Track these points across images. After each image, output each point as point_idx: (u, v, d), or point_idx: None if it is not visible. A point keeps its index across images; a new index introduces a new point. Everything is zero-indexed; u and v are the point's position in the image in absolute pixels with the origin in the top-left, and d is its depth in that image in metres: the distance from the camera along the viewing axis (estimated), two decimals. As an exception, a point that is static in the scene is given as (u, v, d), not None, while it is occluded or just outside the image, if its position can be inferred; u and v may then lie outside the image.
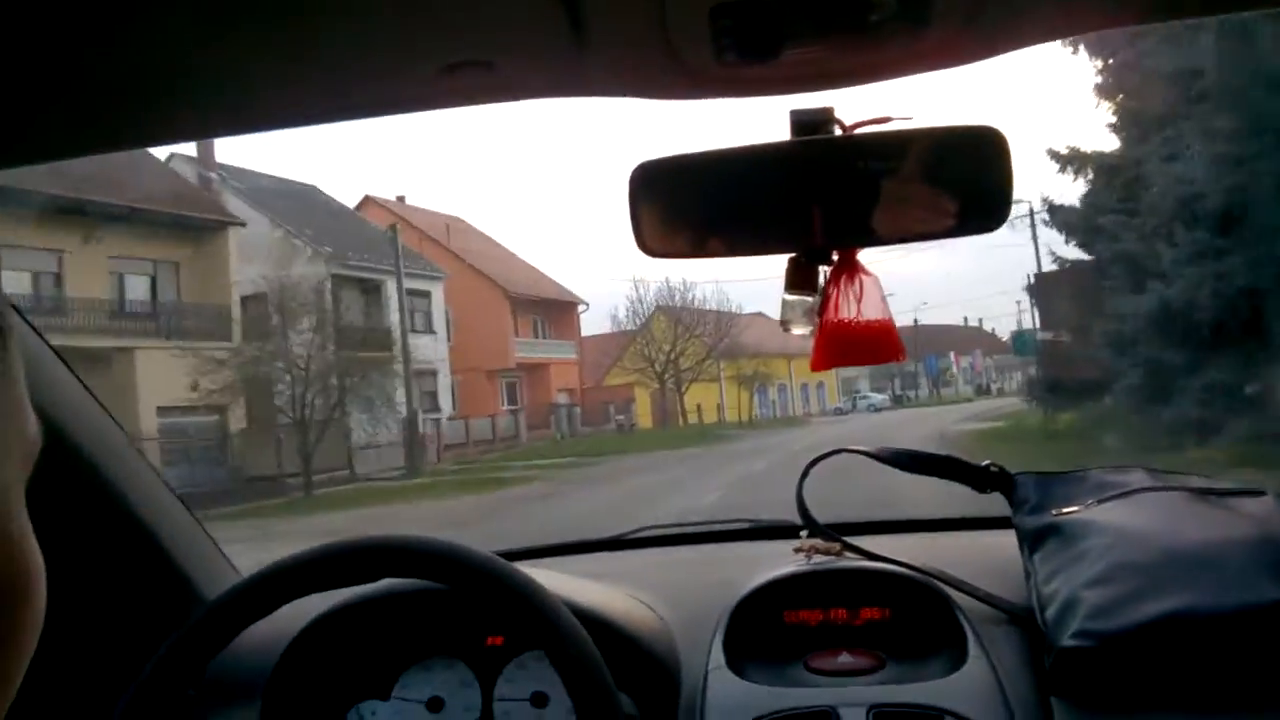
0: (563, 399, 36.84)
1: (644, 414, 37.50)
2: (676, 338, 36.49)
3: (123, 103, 0.79)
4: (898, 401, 61.68)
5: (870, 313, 0.93)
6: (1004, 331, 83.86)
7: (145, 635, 1.08)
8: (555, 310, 38.48)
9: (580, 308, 39.57)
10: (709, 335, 36.47)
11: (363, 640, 1.16)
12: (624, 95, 0.82)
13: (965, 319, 79.37)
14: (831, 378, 49.71)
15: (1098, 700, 1.01)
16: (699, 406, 36.20)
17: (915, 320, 66.15)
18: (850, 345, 0.94)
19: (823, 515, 1.36)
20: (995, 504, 1.29)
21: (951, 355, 62.95)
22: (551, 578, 0.96)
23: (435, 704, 1.17)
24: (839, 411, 45.34)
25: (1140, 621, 0.99)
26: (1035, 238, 20.20)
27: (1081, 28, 0.81)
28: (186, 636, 0.89)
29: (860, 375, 62.86)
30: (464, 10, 0.69)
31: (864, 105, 0.86)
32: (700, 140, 0.91)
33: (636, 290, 40.17)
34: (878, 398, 47.55)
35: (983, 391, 67.06)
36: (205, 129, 0.90)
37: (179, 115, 0.84)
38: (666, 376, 36.28)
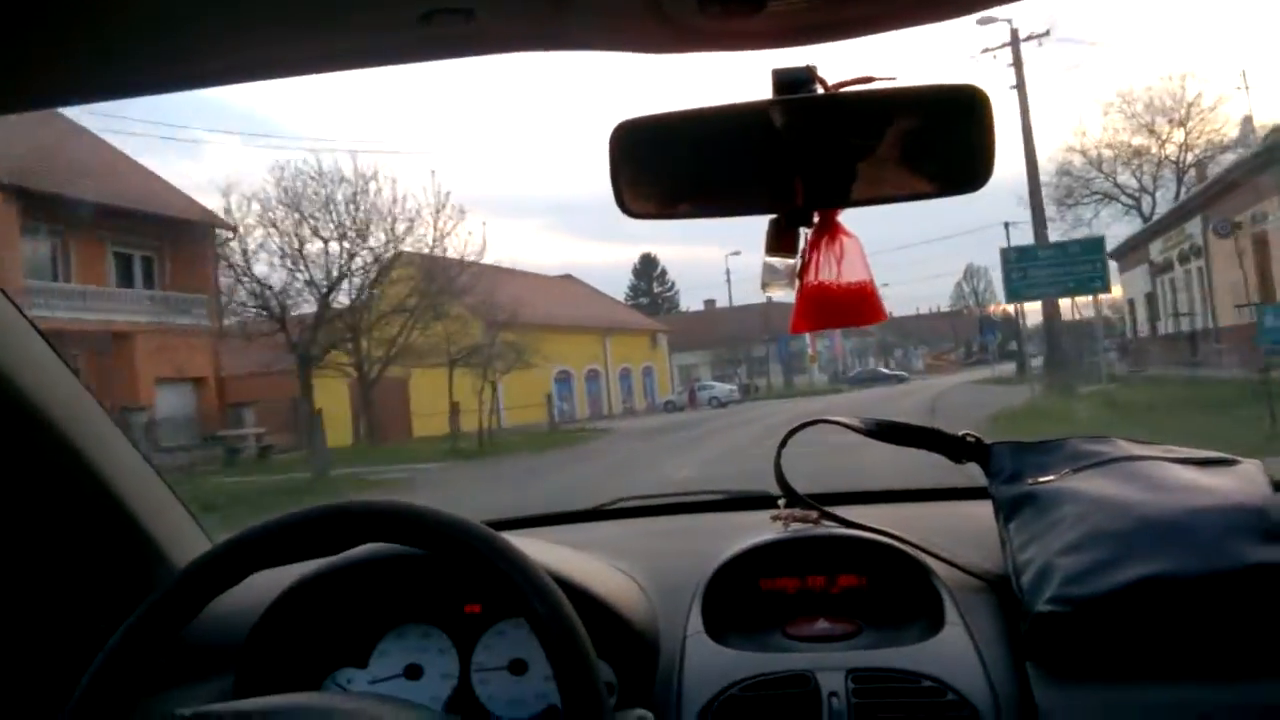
0: (169, 397, 21.98)
1: (339, 421, 21.73)
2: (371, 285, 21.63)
3: (78, 55, 0.79)
4: (746, 392, 54.74)
5: (851, 274, 0.93)
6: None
7: (116, 603, 1.07)
8: (173, 238, 22.96)
9: (225, 236, 21.99)
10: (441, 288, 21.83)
11: (339, 608, 1.15)
12: (606, 49, 0.82)
13: (820, 298, 73.81)
14: (663, 362, 41.65)
15: (1073, 665, 1.02)
16: (455, 406, 21.73)
17: (729, 293, 61.41)
18: (830, 307, 0.93)
19: (802, 488, 1.38)
20: (973, 478, 1.33)
21: (807, 336, 55.71)
22: (531, 545, 0.93)
23: (413, 671, 1.16)
24: (670, 406, 37.18)
25: (1114, 587, 1.00)
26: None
27: None
28: (157, 604, 0.87)
29: (701, 362, 55.69)
30: None
31: (847, 65, 0.86)
32: (680, 100, 0.90)
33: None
34: (722, 388, 39.82)
35: (838, 380, 61.25)
36: (177, 79, 0.88)
37: (148, 66, 0.83)
38: (367, 360, 21.55)
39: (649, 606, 1.20)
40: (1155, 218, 33.66)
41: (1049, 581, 1.05)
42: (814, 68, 0.85)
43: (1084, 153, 38.97)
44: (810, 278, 0.93)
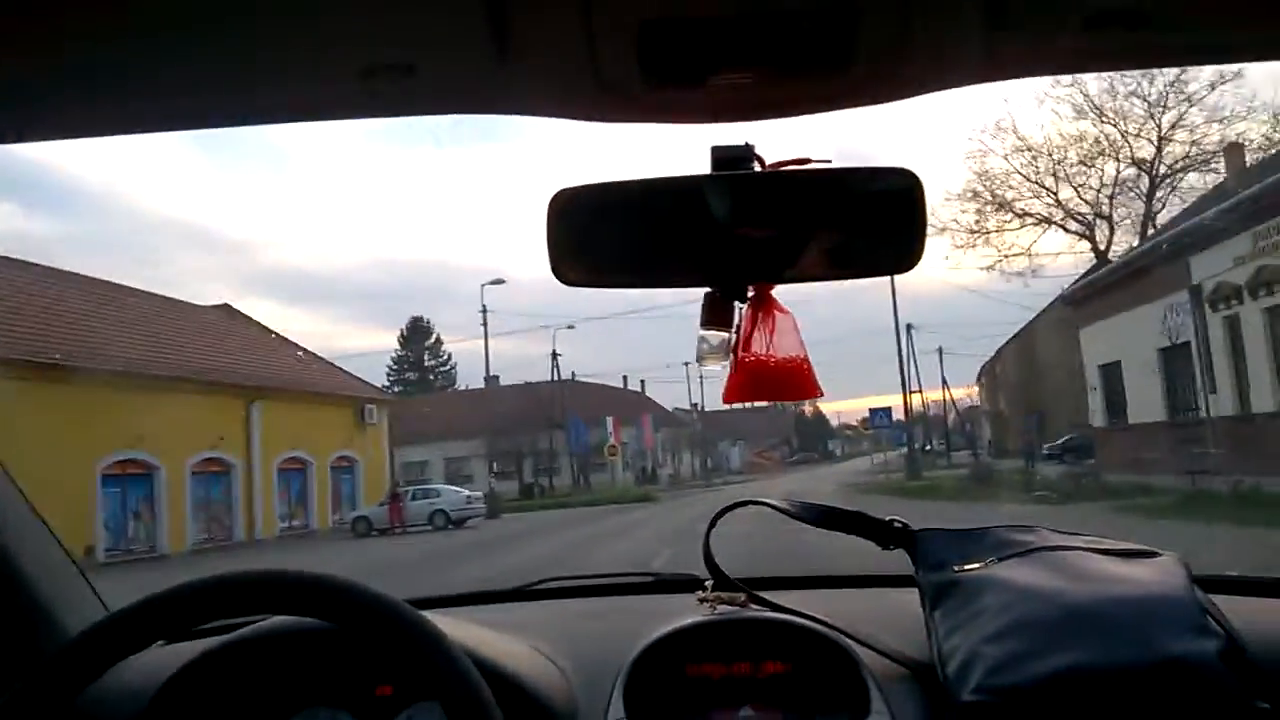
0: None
1: None
2: None
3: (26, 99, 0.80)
4: (526, 493, 40.46)
5: (784, 349, 0.95)
6: (670, 402, 68.72)
7: (2, 669, 1.07)
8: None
9: None
10: None
11: (244, 685, 1.11)
12: (547, 114, 0.83)
13: (625, 380, 61.81)
14: (378, 451, 26.68)
15: None
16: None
17: (556, 371, 48.11)
18: (764, 381, 0.95)
19: (733, 571, 1.36)
20: (902, 563, 1.27)
21: (610, 422, 42.02)
22: (449, 625, 0.90)
23: None
24: (361, 526, 22.39)
25: (1039, 676, 1.01)
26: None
27: (1003, 75, 0.83)
28: (45, 671, 0.83)
29: (473, 454, 41.12)
30: (384, 10, 0.70)
31: (784, 145, 0.87)
32: (615, 173, 0.90)
33: None
34: (452, 495, 24.59)
35: (647, 478, 48.14)
36: (128, 124, 0.89)
37: (94, 110, 0.84)
38: None
39: (569, 691, 1.18)
40: (1113, 252, 23.23)
41: (974, 670, 1.05)
42: (752, 146, 0.86)
43: (1007, 158, 28.89)
44: (744, 352, 0.94)
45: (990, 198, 32.17)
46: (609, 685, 1.16)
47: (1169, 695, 0.99)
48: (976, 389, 55.73)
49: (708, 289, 0.93)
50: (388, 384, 64.13)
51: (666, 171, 0.90)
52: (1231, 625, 1.05)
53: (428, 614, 0.88)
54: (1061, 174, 30.91)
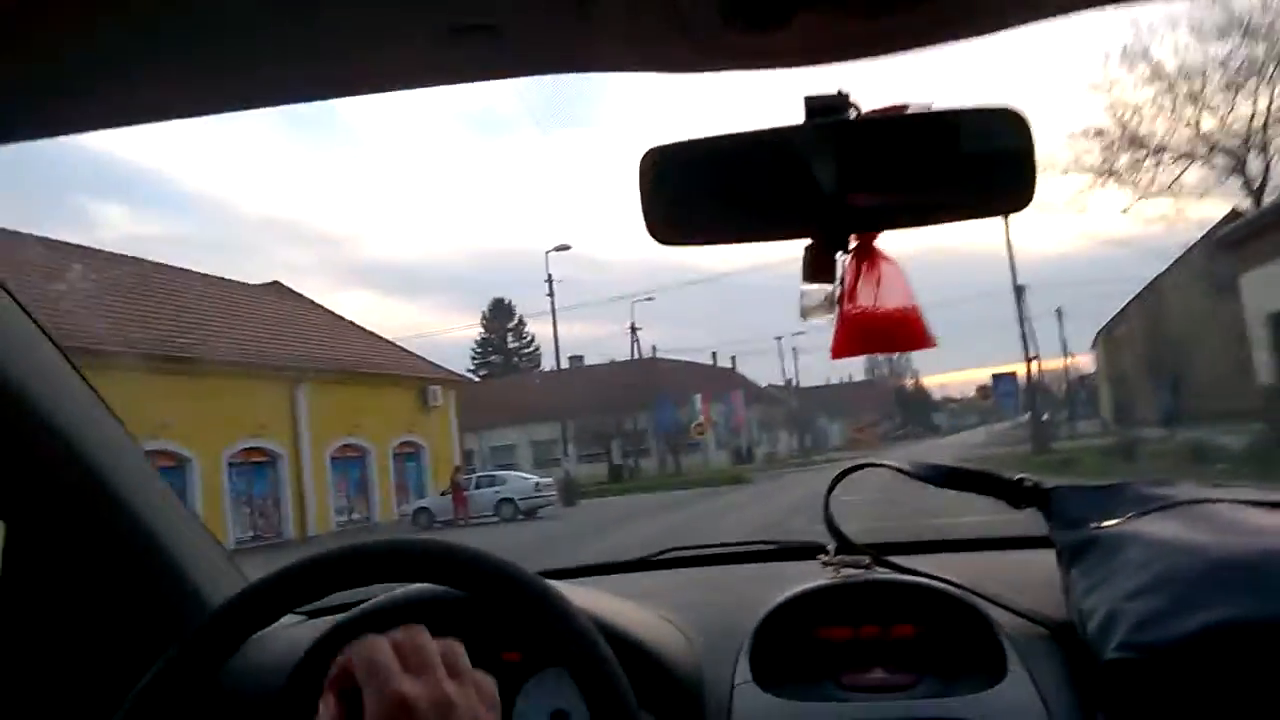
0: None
1: None
2: None
3: (105, 81, 0.78)
4: (615, 476, 38.43)
5: (891, 300, 0.92)
6: (764, 377, 65.90)
7: (149, 644, 1.09)
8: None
9: None
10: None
11: None
12: (629, 68, 0.82)
13: (714, 356, 59.19)
14: (445, 435, 24.78)
15: (1144, 715, 0.99)
16: None
17: (636, 346, 45.67)
18: (871, 332, 0.92)
19: (856, 539, 1.35)
20: (1033, 526, 1.26)
21: (698, 399, 39.67)
22: (575, 593, 0.90)
23: None
24: (423, 517, 22.61)
25: (1188, 632, 0.96)
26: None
27: (1085, 4, 0.79)
28: (192, 640, 0.86)
29: (557, 437, 39.37)
30: None
31: (880, 90, 0.86)
32: (707, 131, 0.88)
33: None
34: (519, 482, 22.48)
35: (742, 458, 45.68)
36: (194, 106, 0.86)
37: (163, 91, 0.83)
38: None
39: (694, 655, 1.18)
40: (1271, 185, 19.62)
41: (1117, 628, 1.01)
42: (847, 94, 0.83)
43: (1137, 88, 25.35)
44: (849, 305, 0.91)
45: (1121, 132, 28.37)
46: (735, 650, 1.17)
47: None
48: (1092, 355, 51.28)
49: (808, 242, 0.89)
50: (472, 367, 63.34)
51: (757, 125, 0.86)
52: None
53: (556, 583, 0.88)
54: (1203, 102, 27.09)
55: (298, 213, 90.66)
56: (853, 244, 0.90)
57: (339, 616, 1.13)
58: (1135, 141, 28.27)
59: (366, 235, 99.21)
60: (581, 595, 0.94)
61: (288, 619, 1.31)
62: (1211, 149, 27.52)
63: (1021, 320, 31.81)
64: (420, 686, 0.72)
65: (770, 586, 1.25)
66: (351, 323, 26.51)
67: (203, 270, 23.13)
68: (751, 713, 1.08)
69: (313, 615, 1.30)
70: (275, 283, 26.01)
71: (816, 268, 0.90)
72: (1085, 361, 51.77)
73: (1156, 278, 42.43)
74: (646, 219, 0.87)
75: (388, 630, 0.88)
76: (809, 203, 0.87)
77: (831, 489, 1.38)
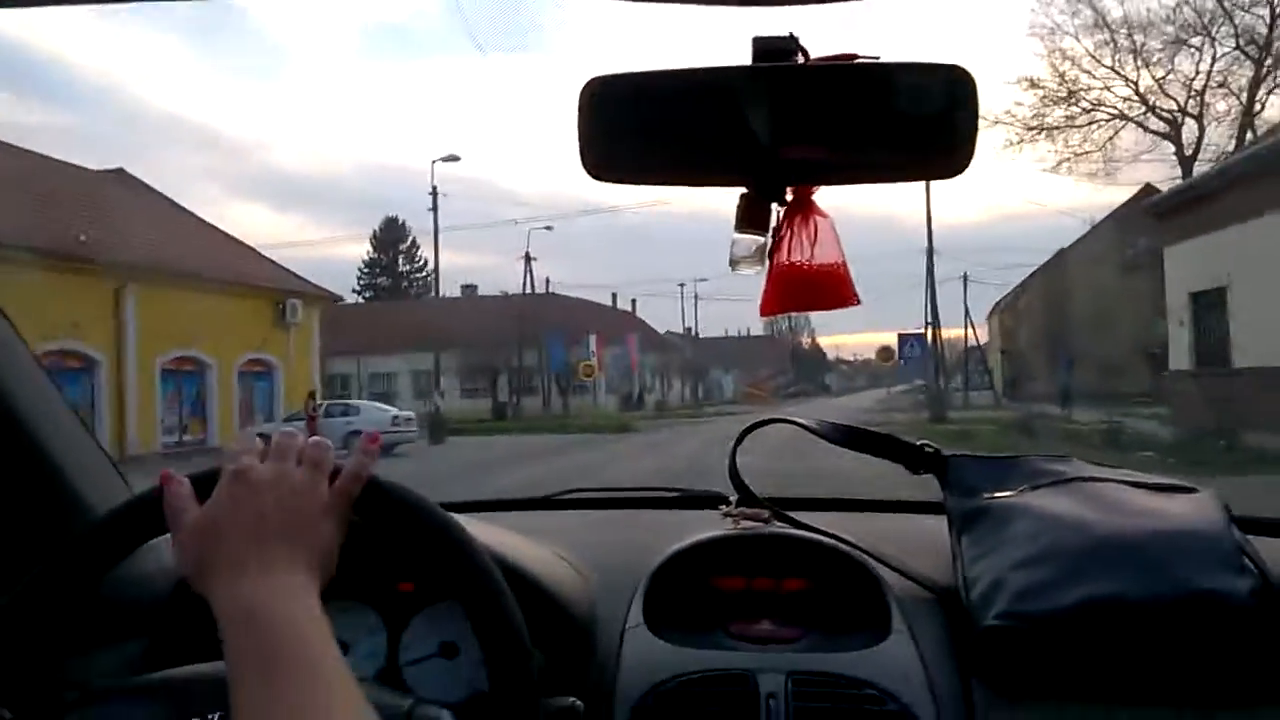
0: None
1: None
2: None
3: None
4: (498, 414, 36.52)
5: (823, 256, 0.92)
6: (664, 325, 64.49)
7: (33, 552, 1.05)
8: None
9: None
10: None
11: None
12: None
13: (614, 297, 57.46)
14: (304, 355, 22.30)
15: (1017, 682, 1.02)
16: None
17: (530, 276, 43.40)
18: (800, 288, 0.92)
19: (759, 492, 1.38)
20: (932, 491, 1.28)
21: (592, 340, 37.98)
22: (475, 527, 0.91)
23: (339, 649, 1.17)
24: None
25: (1064, 605, 1.00)
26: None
27: None
28: (70, 551, 0.85)
29: (446, 369, 37.13)
30: None
31: (829, 42, 0.85)
32: (652, 65, 0.88)
33: None
34: (374, 412, 20.32)
35: (632, 403, 44.26)
36: None
37: None
38: None
39: (589, 596, 1.19)
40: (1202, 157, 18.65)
41: (999, 596, 1.05)
42: (796, 38, 0.82)
43: (1079, 36, 24.07)
44: (782, 257, 0.91)
45: (1058, 84, 27.11)
46: (629, 593, 1.18)
47: (1197, 630, 0.98)
48: (985, 327, 51.32)
49: (744, 189, 0.88)
50: (357, 288, 60.25)
51: (705, 64, 0.84)
52: (1266, 565, 1.03)
53: (458, 517, 0.89)
54: (1144, 58, 26.14)
55: (196, 116, 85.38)
56: (788, 196, 0.89)
57: None
58: (1071, 96, 27.17)
59: (268, 145, 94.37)
60: (480, 529, 0.93)
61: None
62: (1147, 109, 26.65)
63: (930, 283, 30.76)
64: (263, 464, 0.80)
65: (670, 533, 1.28)
66: (205, 222, 23.71)
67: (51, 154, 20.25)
68: (640, 656, 1.10)
69: None
70: (119, 170, 22.90)
71: (750, 217, 0.88)
72: (982, 333, 51.81)
73: (1062, 251, 42.34)
74: (581, 150, 0.85)
75: None
76: (748, 150, 0.84)
77: (739, 442, 1.40)
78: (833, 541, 1.23)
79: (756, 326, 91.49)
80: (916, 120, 0.84)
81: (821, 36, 0.83)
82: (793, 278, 0.91)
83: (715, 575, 1.23)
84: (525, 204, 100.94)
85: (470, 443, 23.10)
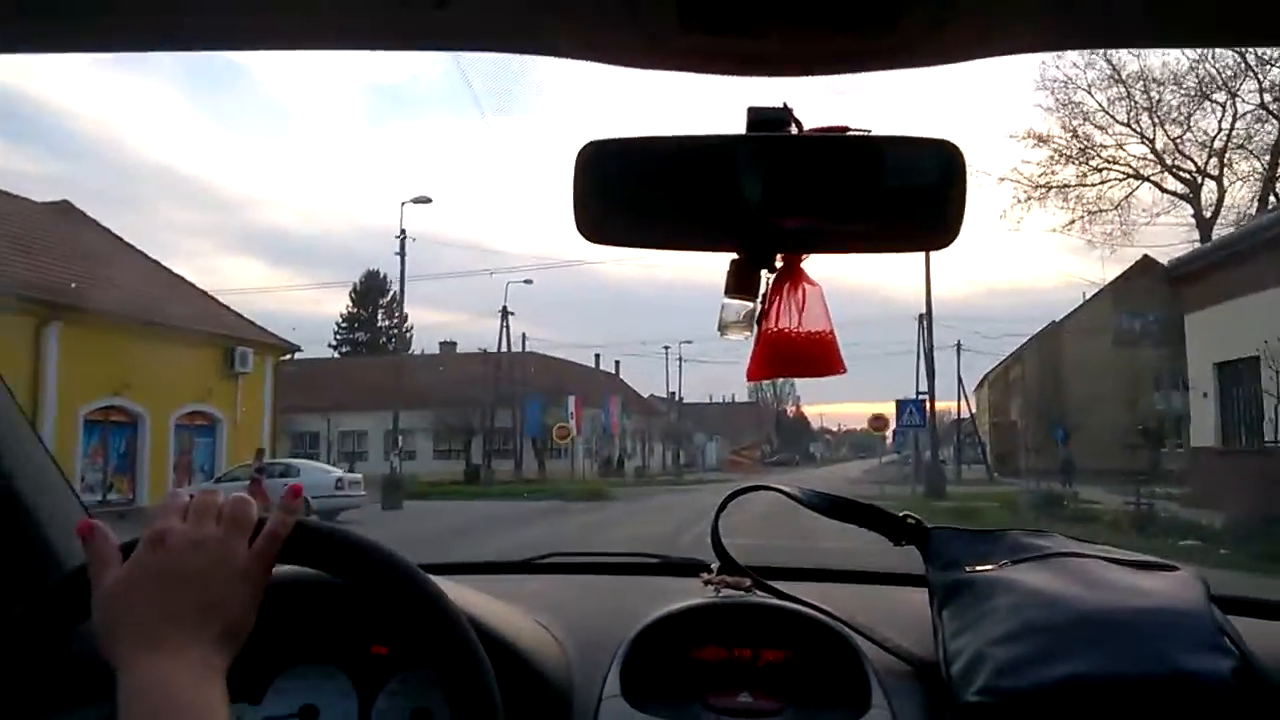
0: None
1: None
2: None
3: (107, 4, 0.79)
4: (471, 477, 34.93)
5: (812, 323, 0.93)
6: (647, 389, 63.00)
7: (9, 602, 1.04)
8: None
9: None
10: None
11: None
12: (580, 56, 0.82)
13: (597, 358, 56.09)
14: (256, 410, 20.74)
15: None
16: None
17: (506, 331, 41.80)
18: (788, 356, 0.93)
19: (742, 561, 1.36)
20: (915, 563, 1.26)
21: (571, 401, 36.53)
22: (452, 590, 0.91)
23: (309, 713, 1.12)
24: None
25: (1045, 682, 1.00)
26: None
27: (1053, 45, 0.84)
28: (42, 602, 0.84)
29: (419, 427, 35.48)
30: None
31: (822, 111, 0.87)
32: (649, 131, 0.89)
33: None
34: (321, 476, 18.38)
35: (612, 468, 42.64)
36: (129, 39, 0.88)
37: (93, 22, 0.82)
38: None
39: (566, 664, 1.17)
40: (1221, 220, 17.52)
41: (979, 672, 1.04)
42: (790, 109, 0.84)
43: (1092, 90, 22.87)
44: (770, 324, 0.92)
45: (1069, 140, 25.90)
46: (607, 661, 1.17)
47: (1178, 710, 0.98)
48: (973, 399, 49.93)
49: (734, 255, 0.90)
50: (333, 343, 58.65)
51: (700, 130, 0.86)
52: (1247, 646, 1.03)
53: (436, 579, 0.88)
54: (1161, 115, 24.95)
55: (192, 171, 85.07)
56: (778, 264, 0.90)
57: None
58: (1083, 153, 25.99)
59: (263, 201, 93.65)
60: (458, 593, 0.93)
61: None
62: (1164, 169, 25.41)
63: (929, 349, 29.30)
64: (181, 525, 0.78)
65: (650, 600, 1.26)
66: (154, 261, 21.97)
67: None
68: None
69: None
70: (63, 202, 21.24)
71: (740, 284, 0.89)
72: (970, 405, 50.41)
73: (1055, 323, 41.31)
74: (576, 212, 0.85)
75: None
76: (740, 217, 0.86)
77: (722, 509, 1.39)
78: (813, 612, 1.22)
79: (741, 393, 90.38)
80: (906, 193, 0.86)
81: (816, 104, 0.85)
82: (781, 344, 0.91)
83: (694, 644, 1.22)
84: (514, 263, 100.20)
85: (429, 508, 21.32)
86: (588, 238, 0.87)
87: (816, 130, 0.85)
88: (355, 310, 59.27)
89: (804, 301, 0.92)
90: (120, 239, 21.93)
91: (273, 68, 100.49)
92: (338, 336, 58.94)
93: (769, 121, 0.84)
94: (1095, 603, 1.05)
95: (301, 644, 1.11)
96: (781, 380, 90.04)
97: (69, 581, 0.83)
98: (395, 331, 59.52)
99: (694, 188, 0.86)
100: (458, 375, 40.22)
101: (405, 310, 58.24)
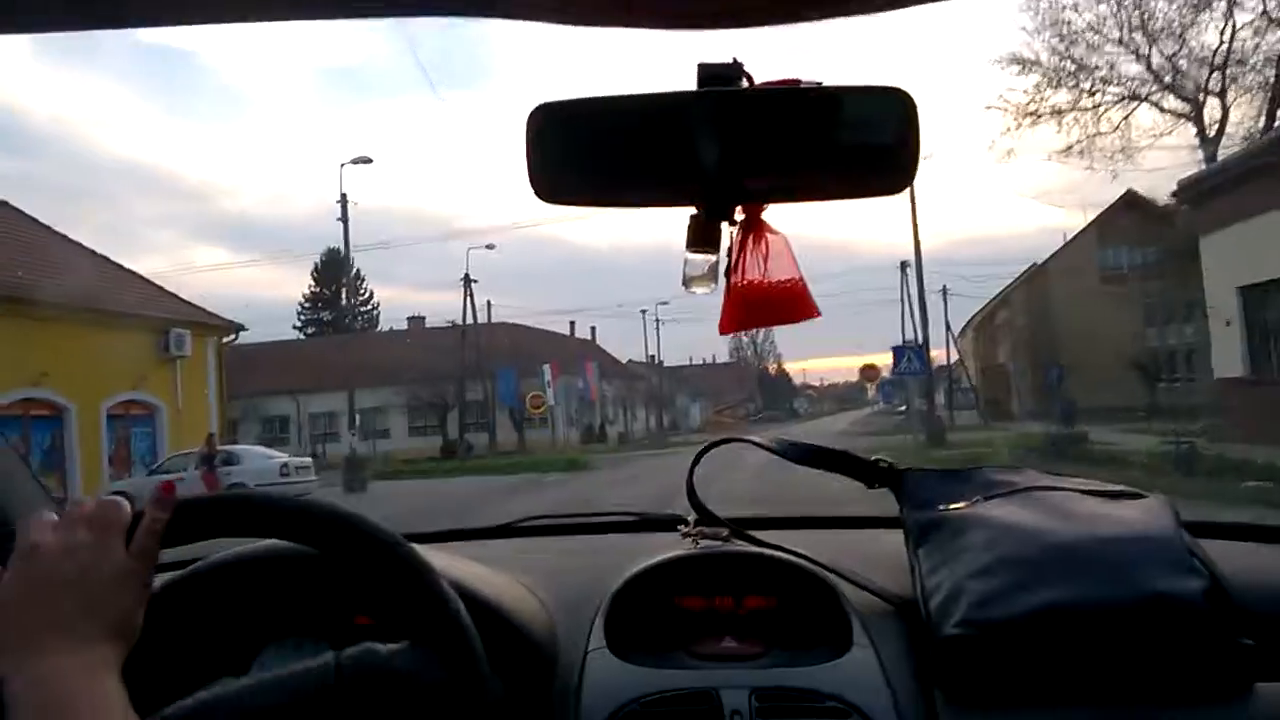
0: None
1: None
2: None
3: None
4: (448, 452, 33.50)
5: (779, 272, 0.94)
6: (625, 354, 61.53)
7: None
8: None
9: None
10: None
11: (223, 609, 1.09)
12: (527, 17, 0.81)
13: (572, 325, 54.56)
14: (197, 396, 19.06)
15: (978, 690, 1.03)
16: None
17: (470, 300, 40.03)
18: (759, 306, 0.95)
19: (719, 513, 1.36)
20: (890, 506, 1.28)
21: (547, 370, 35.24)
22: (436, 557, 0.92)
23: None
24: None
25: (1022, 612, 1.02)
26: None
27: None
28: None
29: (390, 404, 34.02)
30: None
31: (774, 67, 0.87)
32: (599, 91, 0.89)
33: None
34: (263, 462, 16.78)
35: (594, 436, 41.37)
36: (95, 17, 0.83)
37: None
38: None
39: (550, 621, 1.18)
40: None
41: (957, 606, 1.06)
42: (740, 64, 0.85)
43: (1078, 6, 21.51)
44: (738, 278, 0.93)
45: (1059, 61, 24.21)
46: (590, 617, 1.18)
47: (1152, 632, 1.00)
48: (958, 343, 48.74)
49: (692, 210, 0.91)
50: (298, 324, 56.83)
51: (650, 89, 0.87)
52: (1217, 567, 1.05)
53: (417, 548, 0.89)
54: (1155, 30, 23.19)
55: (156, 162, 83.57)
56: (739, 216, 0.91)
57: (175, 574, 1.06)
58: (1074, 75, 24.31)
59: (226, 189, 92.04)
60: (439, 559, 0.93)
61: None
62: (1162, 88, 23.78)
63: (921, 294, 27.88)
64: (52, 534, 0.79)
65: (630, 556, 1.28)
66: (79, 245, 20.14)
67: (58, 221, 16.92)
68: (601, 678, 1.10)
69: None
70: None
71: (700, 237, 0.90)
72: (954, 351, 49.25)
73: (1040, 264, 40.10)
74: (530, 175, 0.87)
75: (237, 587, 0.95)
76: (695, 173, 0.87)
77: (695, 463, 1.40)
78: (791, 557, 1.24)
79: (722, 353, 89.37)
80: (859, 141, 0.87)
81: (767, 58, 0.85)
82: (750, 295, 0.93)
83: (676, 596, 1.24)
84: (478, 233, 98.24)
85: (396, 489, 19.89)
86: (543, 198, 0.88)
87: (767, 84, 0.84)
88: (318, 290, 57.40)
89: (768, 251, 0.92)
90: (40, 222, 20.15)
91: (224, 50, 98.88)
92: (302, 318, 57.15)
93: (719, 77, 0.84)
94: (1067, 533, 1.07)
95: (285, 616, 1.10)
96: (762, 337, 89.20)
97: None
98: (362, 310, 57.91)
99: (647, 145, 0.86)
100: (429, 350, 38.71)
101: (361, 281, 56.17)
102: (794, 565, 1.22)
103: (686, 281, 0.94)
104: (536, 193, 0.87)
